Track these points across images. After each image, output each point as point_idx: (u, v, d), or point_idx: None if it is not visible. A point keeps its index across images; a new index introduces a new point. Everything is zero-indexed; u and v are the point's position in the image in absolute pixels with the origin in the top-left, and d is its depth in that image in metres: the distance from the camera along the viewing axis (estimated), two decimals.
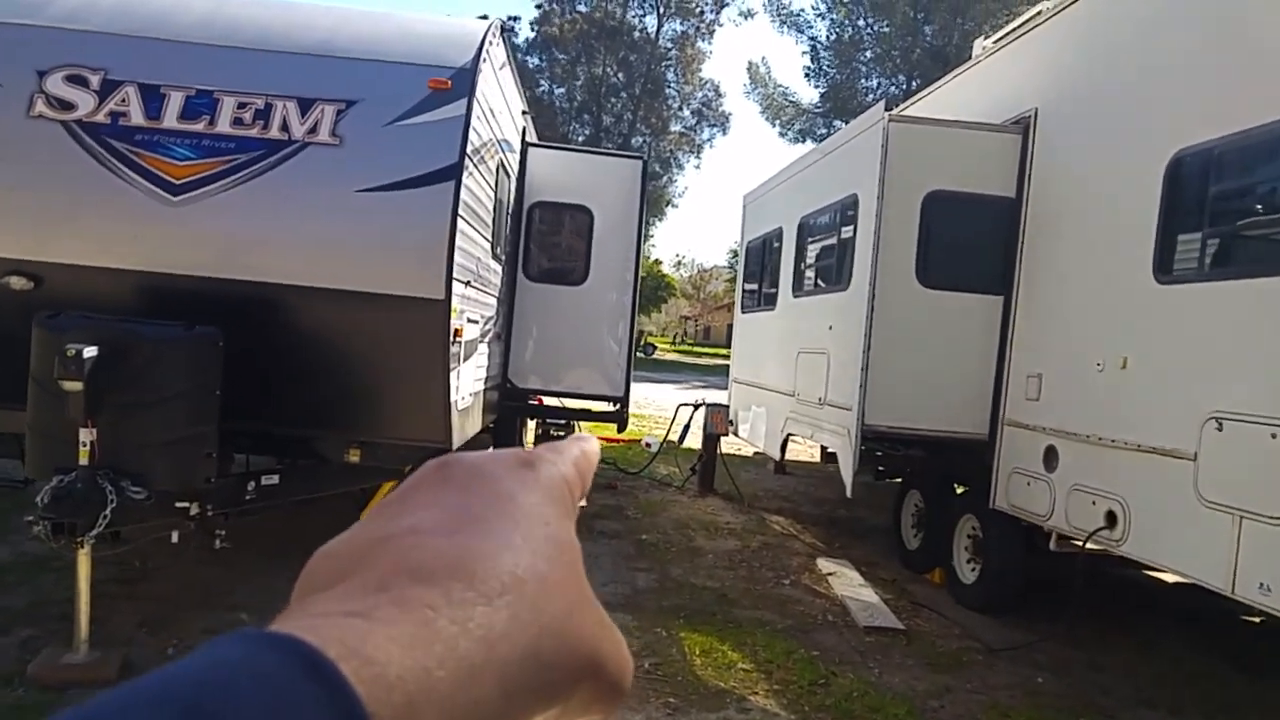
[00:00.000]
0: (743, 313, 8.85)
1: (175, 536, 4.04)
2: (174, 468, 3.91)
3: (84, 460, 3.68)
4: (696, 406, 8.50)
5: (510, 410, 7.13)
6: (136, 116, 4.41)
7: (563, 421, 8.42)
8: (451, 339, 4.34)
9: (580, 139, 47.27)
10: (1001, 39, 6.06)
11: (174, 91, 4.46)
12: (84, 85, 4.44)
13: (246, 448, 4.68)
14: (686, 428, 8.60)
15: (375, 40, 4.86)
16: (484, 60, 4.74)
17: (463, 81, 4.53)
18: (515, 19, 46.98)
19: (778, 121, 40.96)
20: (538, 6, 47.62)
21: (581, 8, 48.38)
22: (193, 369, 3.95)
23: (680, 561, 5.89)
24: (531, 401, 7.83)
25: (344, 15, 5.09)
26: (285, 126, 4.40)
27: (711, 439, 8.04)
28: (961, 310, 5.59)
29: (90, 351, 3.60)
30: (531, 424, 8.66)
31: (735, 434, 8.56)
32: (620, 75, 49.32)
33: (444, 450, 4.76)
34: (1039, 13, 5.56)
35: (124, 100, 4.43)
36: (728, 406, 8.48)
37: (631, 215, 7.10)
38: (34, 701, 3.35)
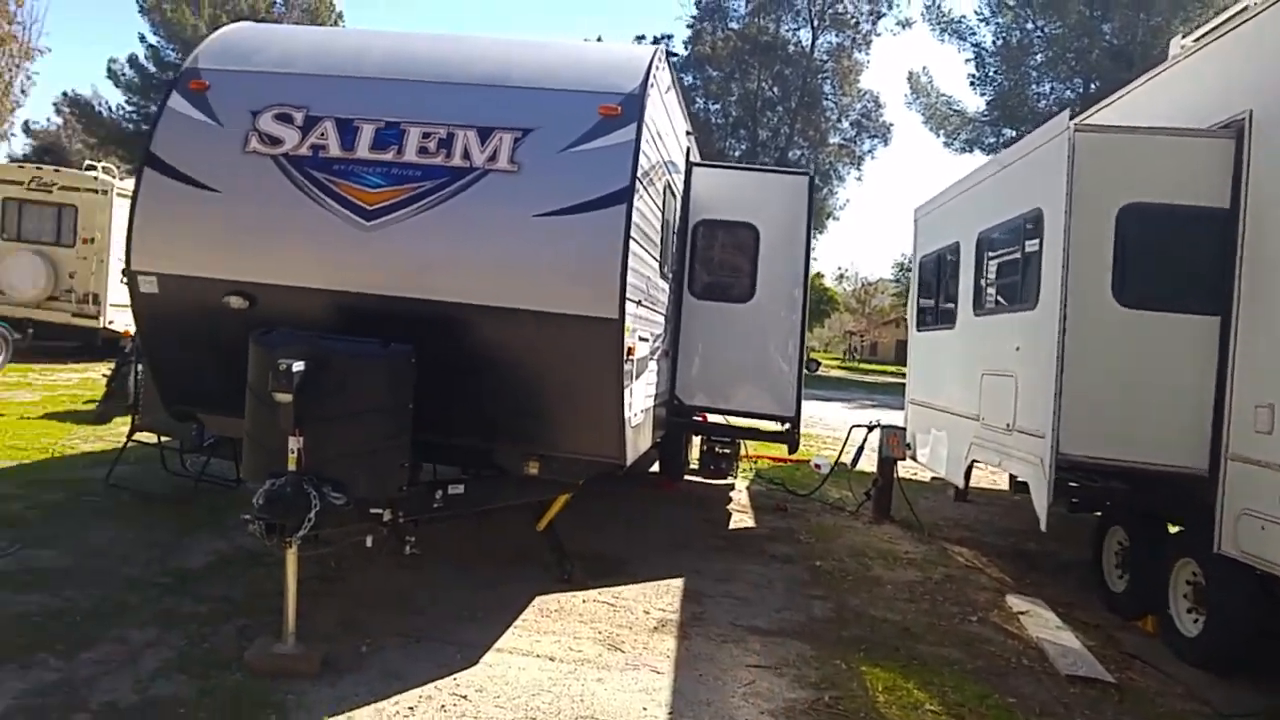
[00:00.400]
0: (918, 330, 8.62)
1: (369, 541, 4.37)
2: (371, 476, 4.24)
3: (292, 466, 4.05)
4: (871, 428, 8.33)
5: (676, 426, 7.25)
6: (334, 148, 4.84)
7: (727, 439, 8.49)
8: (625, 357, 4.49)
9: (736, 154, 47.47)
10: (1205, 36, 5.64)
11: (366, 124, 4.87)
12: (289, 122, 4.91)
13: (433, 458, 5.00)
14: (860, 450, 8.45)
15: (548, 70, 5.13)
16: (651, 85, 4.91)
17: (631, 107, 4.71)
18: (668, 37, 47.89)
19: (942, 131, 39.65)
20: (689, 26, 48.40)
21: (734, 25, 48.73)
22: (388, 383, 4.28)
23: (858, 591, 5.79)
24: (695, 418, 7.94)
25: (518, 47, 5.41)
26: (466, 154, 4.71)
27: (887, 463, 7.86)
28: (1168, 331, 5.19)
29: (299, 366, 3.97)
30: (696, 440, 8.78)
31: (912, 458, 8.33)
32: (775, 89, 49.23)
33: (619, 465, 4.93)
34: (1247, 6, 5.13)
35: (323, 134, 4.87)
36: (904, 429, 8.26)
37: (798, 231, 7.12)
38: (250, 686, 3.70)
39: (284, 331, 4.37)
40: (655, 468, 8.62)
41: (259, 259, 4.82)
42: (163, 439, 6.73)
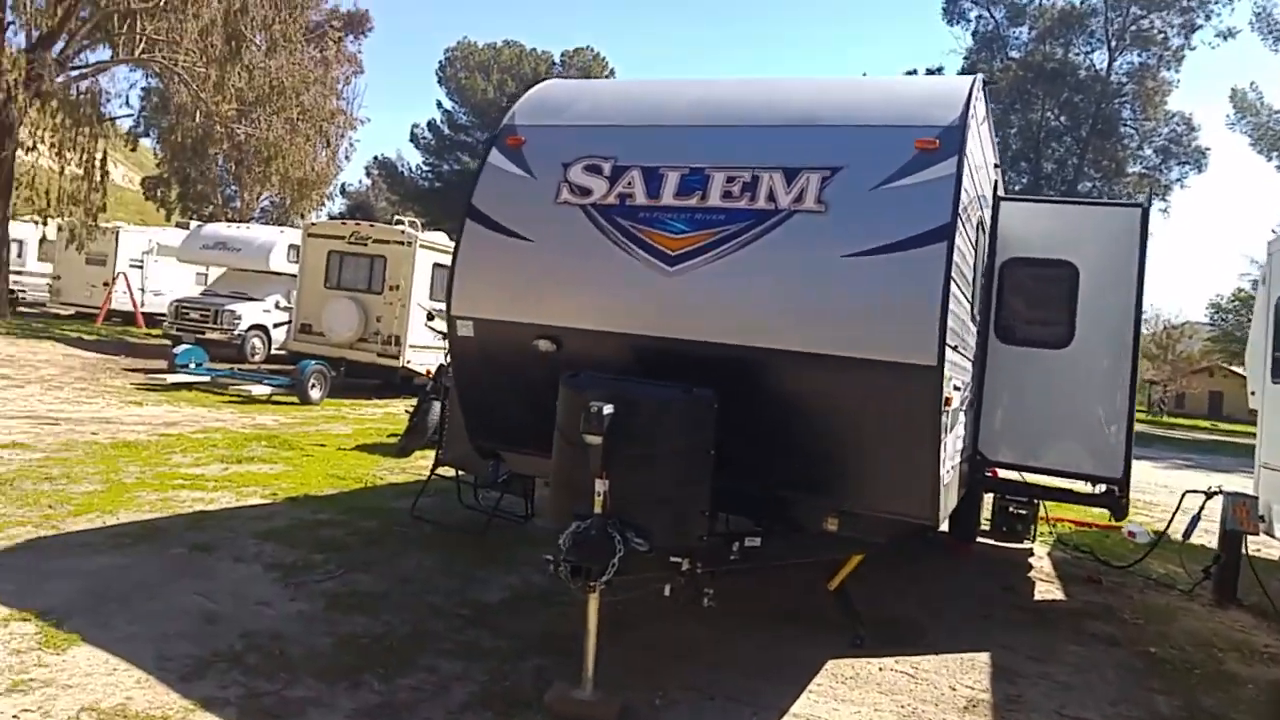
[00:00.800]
0: (1274, 381, 7.48)
1: (668, 590, 4.35)
2: (672, 522, 4.23)
3: (598, 509, 4.13)
4: (1210, 495, 7.30)
5: (974, 483, 6.74)
6: (640, 196, 4.97)
7: (1023, 499, 7.78)
8: (942, 408, 4.19)
9: (1017, 188, 44.72)
10: None
11: (670, 171, 4.96)
12: (598, 173, 5.11)
13: (726, 507, 4.94)
14: (1195, 519, 7.41)
15: (856, 106, 4.99)
16: (970, 116, 4.62)
17: (951, 139, 4.45)
18: (938, 71, 46.28)
19: (1276, 154, 34.97)
20: (965, 58, 46.55)
21: (1014, 54, 46.28)
22: (691, 428, 4.26)
23: (1210, 689, 5.00)
24: (987, 473, 7.34)
25: (823, 85, 5.32)
26: (772, 196, 4.65)
27: (1234, 536, 6.82)
28: None
29: (609, 409, 4.05)
30: (988, 498, 8.13)
31: (1267, 533, 7.19)
32: (1063, 118, 46.09)
33: (928, 526, 4.60)
34: None
35: (630, 183, 5.02)
36: (1255, 498, 7.15)
37: (1128, 269, 6.42)
38: None
39: (592, 374, 4.50)
40: (943, 526, 8.05)
41: (566, 304, 5.02)
42: (460, 474, 7.22)
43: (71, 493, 6.49)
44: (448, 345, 5.51)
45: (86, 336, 20.66)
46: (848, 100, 5.06)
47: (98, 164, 21.63)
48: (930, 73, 45.18)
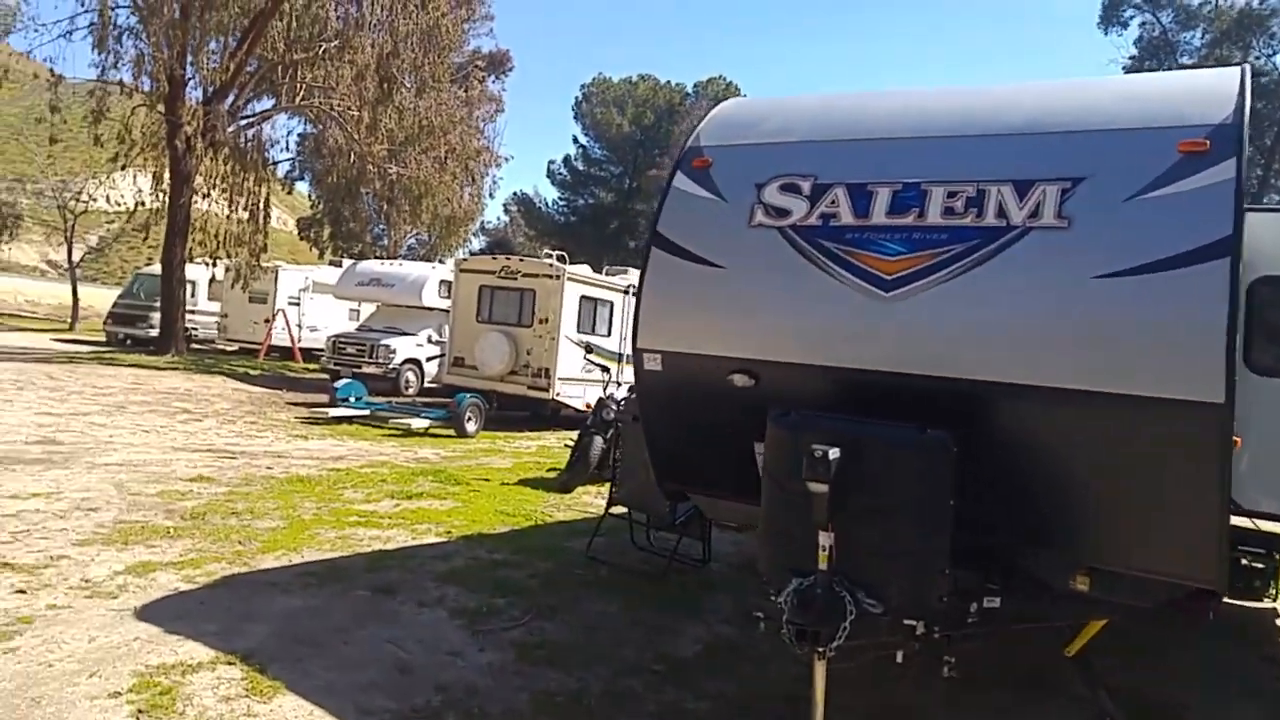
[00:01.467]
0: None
1: (900, 656, 3.92)
2: (908, 582, 3.81)
3: (822, 565, 3.76)
4: None
5: None
6: (846, 216, 4.61)
7: (1262, 550, 6.88)
8: (1229, 452, 3.62)
9: None
10: None
11: (880, 188, 4.58)
12: (796, 192, 4.78)
13: (959, 563, 4.47)
14: None
15: (1095, 109, 4.48)
16: (1245, 112, 4.05)
17: (1225, 139, 3.89)
18: None
19: None
20: (1124, 69, 44.06)
21: (1186, 60, 43.51)
22: (927, 475, 3.84)
23: None
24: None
25: (1051, 88, 4.84)
26: (1002, 212, 4.21)
27: None
28: None
29: (835, 453, 3.69)
30: None
31: None
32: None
33: (1210, 591, 4.01)
34: None
35: (833, 202, 4.67)
36: None
37: None
38: None
39: (807, 414, 4.15)
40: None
41: (765, 335, 4.70)
42: (632, 514, 6.99)
43: (257, 529, 6.60)
44: (633, 380, 5.27)
45: (251, 371, 21.79)
46: (1084, 103, 4.55)
47: (261, 207, 22.94)
48: None
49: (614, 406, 9.96)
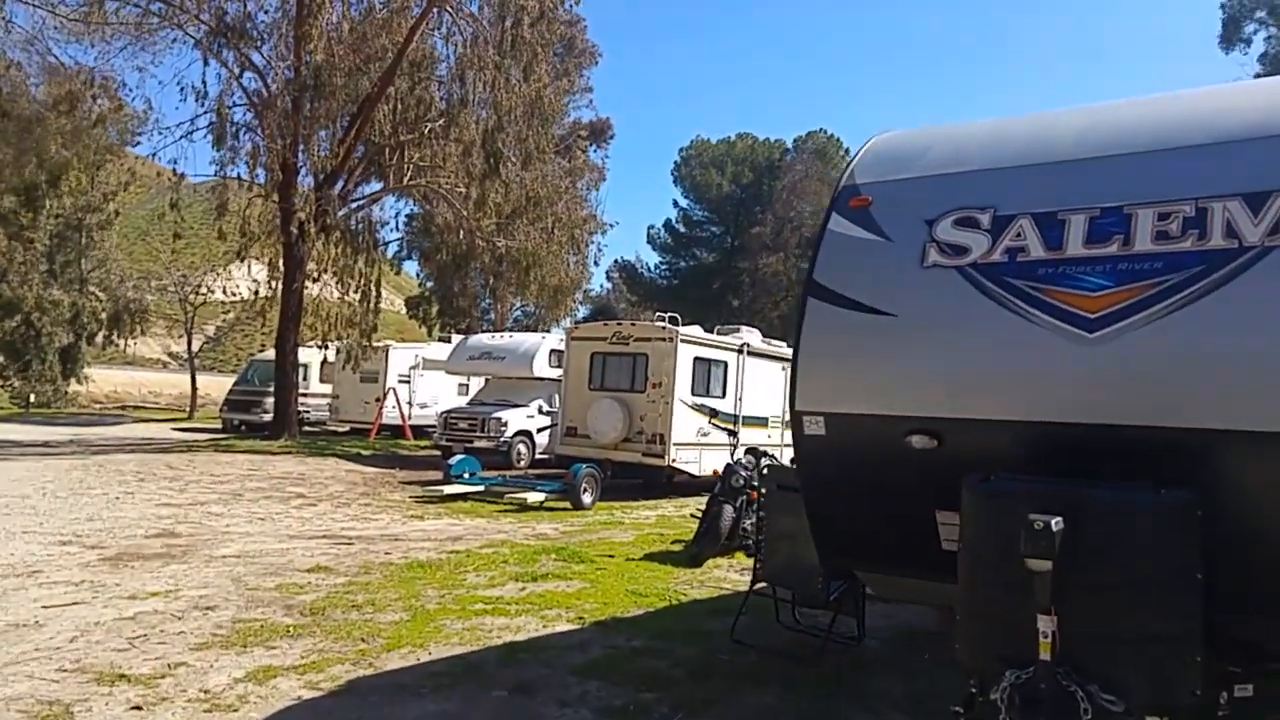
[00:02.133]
0: None
1: None
2: (1153, 672, 3.21)
3: (1045, 654, 3.20)
4: None
5: None
6: (1036, 250, 4.09)
7: None
8: None
9: None
10: None
11: (1074, 216, 4.06)
12: (974, 226, 4.30)
13: None
14: None
15: None
16: None
17: None
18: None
19: None
20: (1260, 60, 41.80)
21: None
22: (1168, 543, 3.25)
23: None
24: None
25: (1273, 84, 4.27)
26: (1232, 232, 3.63)
27: None
28: None
29: (1058, 523, 3.15)
30: None
31: None
32: None
33: None
34: None
35: (1019, 235, 4.17)
36: None
37: None
38: None
39: (1011, 478, 3.62)
40: None
41: (948, 389, 4.18)
42: (776, 591, 6.45)
43: (380, 623, 6.31)
44: (792, 448, 4.80)
45: (364, 452, 22.10)
46: None
47: (373, 287, 23.57)
48: None
49: (743, 473, 9.48)
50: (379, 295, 24.28)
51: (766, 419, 18.28)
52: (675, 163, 55.40)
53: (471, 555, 9.05)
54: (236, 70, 22.21)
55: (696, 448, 16.26)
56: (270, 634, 5.95)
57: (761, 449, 10.46)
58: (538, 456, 20.05)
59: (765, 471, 6.32)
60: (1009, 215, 4.24)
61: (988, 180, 4.46)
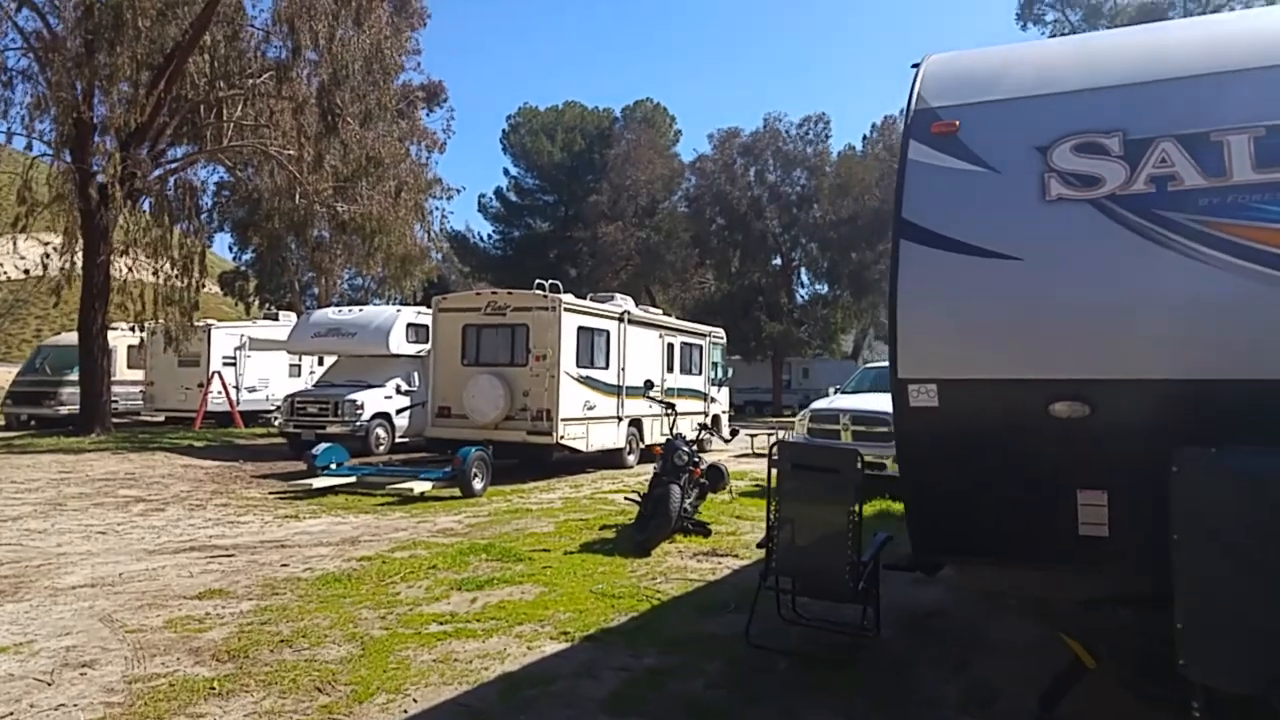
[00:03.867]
0: None
1: None
2: None
3: None
4: None
5: None
6: (1191, 177, 3.47)
7: None
8: None
9: None
10: None
11: (1230, 136, 3.46)
12: (1100, 153, 3.64)
13: None
14: None
15: None
16: None
17: None
18: None
19: None
20: None
21: None
22: None
23: None
24: None
25: None
26: None
27: None
28: None
29: None
30: None
31: None
32: None
33: None
34: None
35: (1164, 161, 3.53)
36: None
37: None
38: None
39: (1243, 449, 2.96)
40: None
41: (1099, 345, 3.51)
42: (778, 584, 5.72)
43: (326, 663, 5.08)
44: (893, 425, 4.01)
45: (196, 444, 19.80)
46: None
47: (196, 261, 21.03)
48: None
49: (685, 450, 8.69)
50: (203, 269, 21.70)
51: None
52: (504, 130, 53.62)
53: (389, 562, 7.81)
54: (12, 6, 18.98)
55: (583, 423, 15.34)
56: (188, 695, 4.58)
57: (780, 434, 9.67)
58: (398, 440, 18.52)
59: (778, 448, 5.51)
60: (1145, 139, 3.61)
61: (1109, 101, 3.80)
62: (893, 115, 45.35)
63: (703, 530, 9.03)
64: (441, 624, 5.86)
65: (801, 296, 48.58)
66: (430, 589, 6.84)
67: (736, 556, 8.20)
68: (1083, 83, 3.92)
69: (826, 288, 48.37)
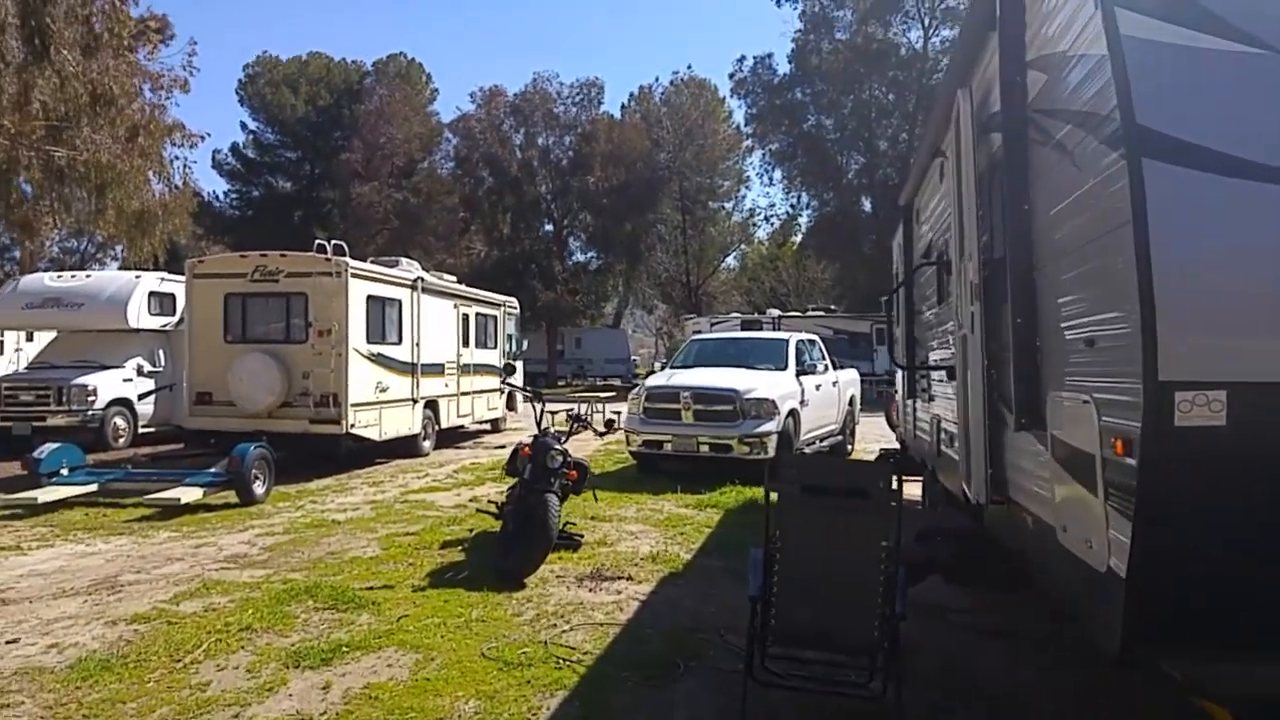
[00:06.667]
0: None
1: None
2: None
3: None
4: None
5: None
6: None
7: None
8: None
9: (856, 167, 45.04)
10: None
11: None
12: None
13: None
14: None
15: None
16: None
17: None
18: (768, 56, 45.84)
19: None
20: (794, 41, 46.08)
21: (841, 35, 46.34)
22: None
23: None
24: None
25: None
26: None
27: None
28: None
29: None
30: None
31: None
32: (890, 96, 46.61)
33: None
34: None
35: None
36: None
37: None
38: None
39: None
40: None
41: None
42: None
43: None
44: (1144, 443, 2.48)
45: None
46: None
47: None
48: (761, 59, 44.75)
49: (558, 450, 6.88)
50: None
51: (443, 366, 15.38)
52: (240, 80, 47.58)
53: (176, 623, 5.41)
54: None
55: (376, 408, 12.95)
56: None
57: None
58: (142, 430, 15.08)
59: (779, 465, 3.92)
60: None
61: None
62: (648, 84, 44.81)
63: (572, 544, 7.27)
64: None
65: (573, 265, 47.20)
66: (253, 670, 4.63)
67: (630, 579, 6.52)
68: None
69: (598, 255, 47.20)
